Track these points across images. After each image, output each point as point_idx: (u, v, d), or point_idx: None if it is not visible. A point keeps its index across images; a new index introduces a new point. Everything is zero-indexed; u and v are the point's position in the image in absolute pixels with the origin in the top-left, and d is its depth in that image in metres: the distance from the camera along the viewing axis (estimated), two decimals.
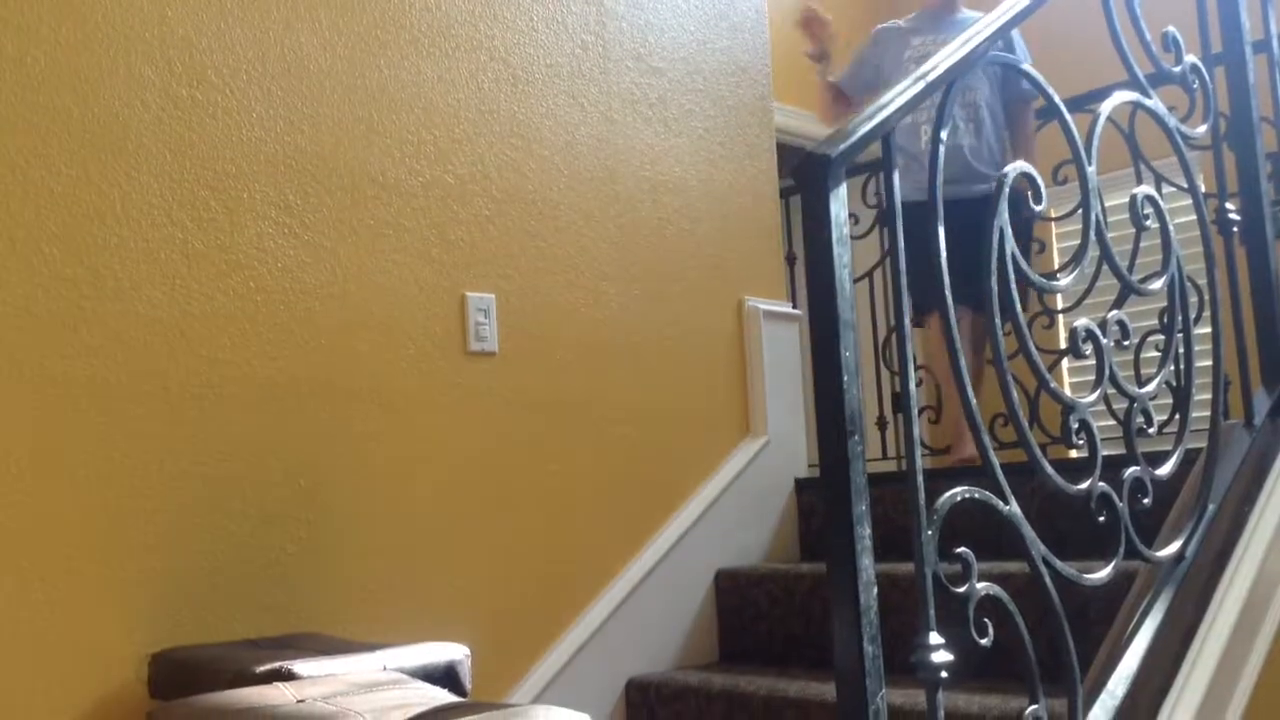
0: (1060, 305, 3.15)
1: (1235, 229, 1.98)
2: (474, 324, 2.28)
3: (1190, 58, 1.86)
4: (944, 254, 1.35)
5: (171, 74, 1.93)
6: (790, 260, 3.56)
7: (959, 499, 1.31)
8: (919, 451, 1.32)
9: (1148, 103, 1.75)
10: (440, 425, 2.21)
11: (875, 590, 1.22)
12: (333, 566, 2.03)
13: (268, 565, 1.95)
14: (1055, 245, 3.41)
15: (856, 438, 1.23)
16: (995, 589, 1.33)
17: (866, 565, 1.21)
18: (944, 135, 1.40)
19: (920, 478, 1.30)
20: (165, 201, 1.90)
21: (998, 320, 1.40)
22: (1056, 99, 1.54)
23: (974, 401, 1.38)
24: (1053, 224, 3.27)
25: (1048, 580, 1.41)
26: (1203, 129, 1.88)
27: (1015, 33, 2.79)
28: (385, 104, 2.20)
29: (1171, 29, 1.84)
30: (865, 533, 1.22)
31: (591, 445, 2.45)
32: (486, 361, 2.30)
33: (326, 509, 2.04)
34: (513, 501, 2.30)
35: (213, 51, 1.98)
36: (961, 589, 1.29)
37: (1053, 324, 2.96)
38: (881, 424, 3.53)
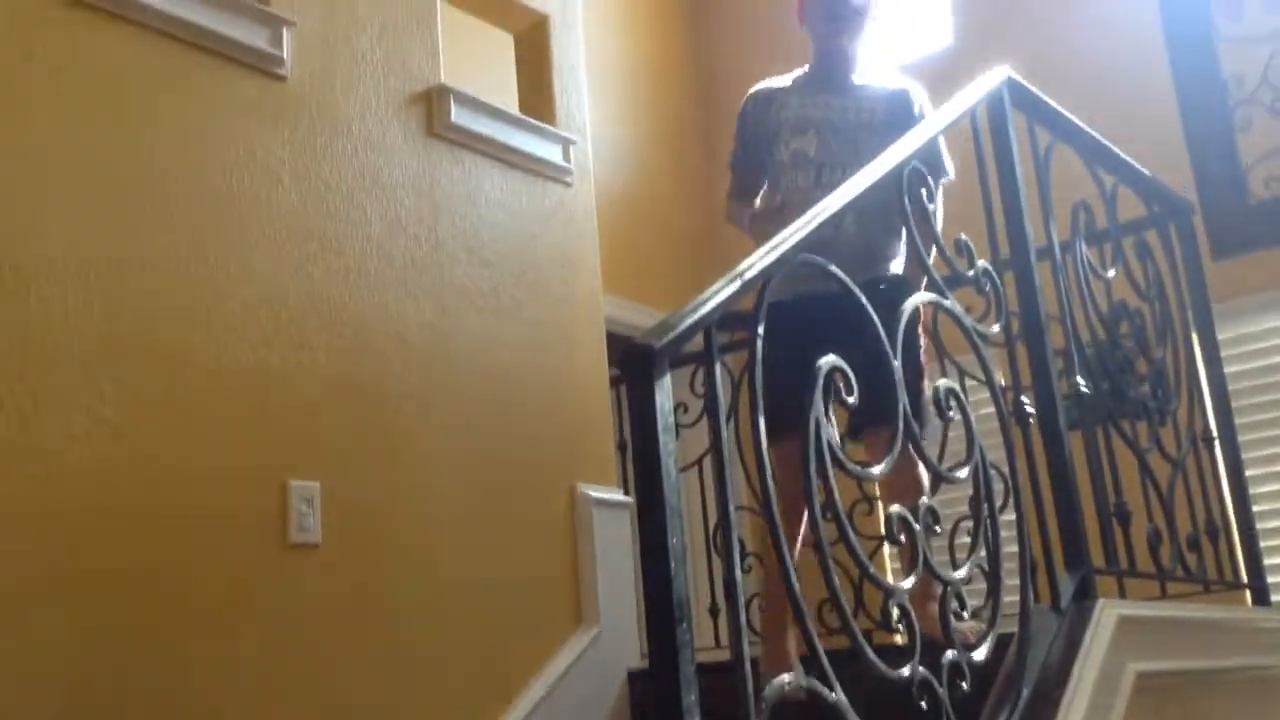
0: (879, 492, 3.26)
1: (1031, 420, 2.12)
2: (297, 514, 2.21)
3: (982, 262, 2.02)
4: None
5: None
6: (622, 447, 3.59)
7: (786, 688, 1.32)
8: (745, 640, 1.32)
9: (945, 303, 1.88)
10: (258, 622, 2.10)
11: None
12: None
13: None
14: None
15: (685, 625, 1.23)
16: None
17: None
18: (760, 330, 1.46)
19: (748, 667, 1.30)
20: None
21: (819, 511, 1.44)
22: (862, 297, 1.64)
23: (797, 587, 1.41)
24: None
25: None
26: (996, 328, 2.03)
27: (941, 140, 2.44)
28: (210, 292, 2.17)
29: (964, 236, 2.00)
30: None
31: (417, 641, 2.36)
32: (309, 554, 2.22)
33: (134, 713, 1.89)
34: (335, 705, 2.18)
35: (29, 241, 1.93)
36: None
37: (872, 510, 3.06)
38: (714, 611, 3.52)
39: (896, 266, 2.54)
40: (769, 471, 1.40)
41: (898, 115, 2.52)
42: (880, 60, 2.77)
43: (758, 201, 2.69)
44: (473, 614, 2.49)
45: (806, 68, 2.71)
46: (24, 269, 1.92)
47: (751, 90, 2.74)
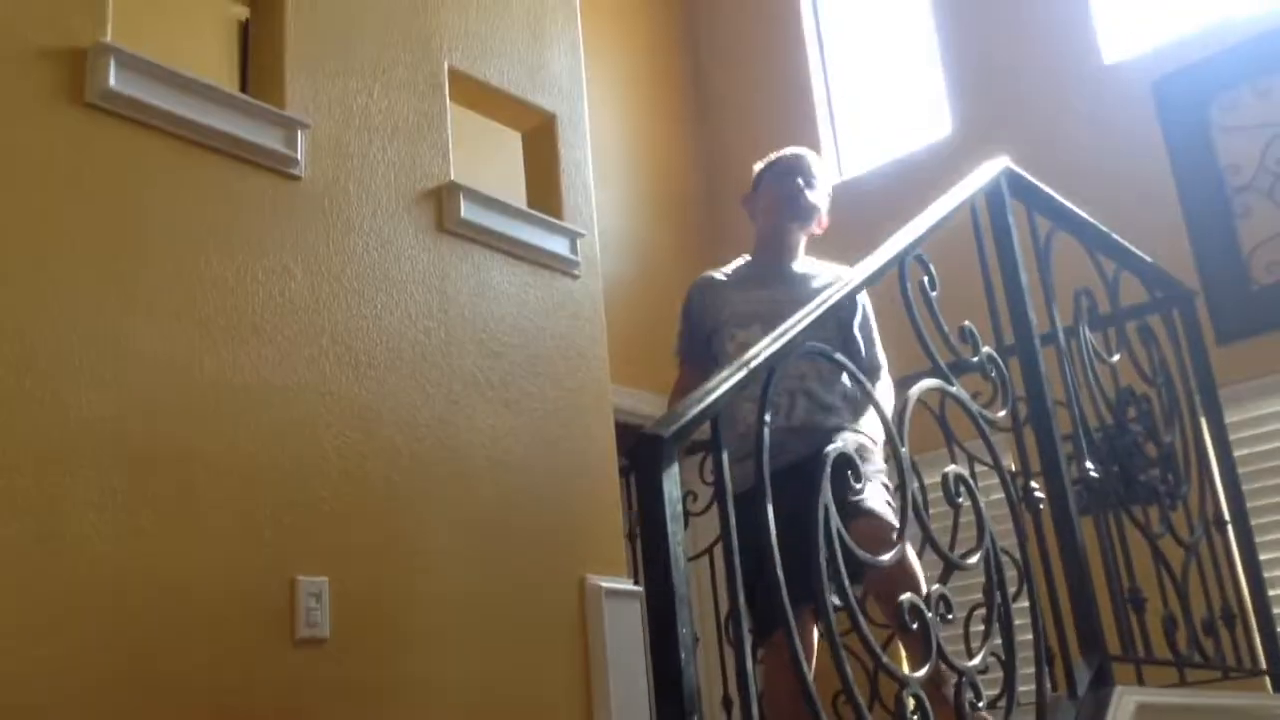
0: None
1: (1041, 506, 2.11)
2: (305, 609, 2.20)
3: (987, 349, 2.04)
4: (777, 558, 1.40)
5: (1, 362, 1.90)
6: (631, 537, 3.58)
7: None
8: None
9: (951, 389, 1.90)
10: (268, 717, 2.08)
11: None
12: None
13: None
14: None
15: (696, 718, 1.22)
16: None
17: None
18: (768, 418, 1.48)
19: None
20: None
21: (826, 590, 1.44)
22: (868, 385, 1.66)
23: (810, 682, 1.40)
24: None
25: None
26: (1003, 413, 2.04)
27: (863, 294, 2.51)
28: (222, 388, 2.19)
29: (968, 324, 2.02)
30: None
31: None
32: (316, 649, 2.20)
33: None
34: None
35: (44, 340, 1.96)
36: None
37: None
38: (727, 703, 3.47)
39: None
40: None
41: (843, 309, 2.44)
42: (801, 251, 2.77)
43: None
44: (483, 713, 2.46)
45: (746, 258, 2.77)
46: (39, 367, 1.94)
47: (697, 280, 2.81)
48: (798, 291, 2.52)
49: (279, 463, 2.24)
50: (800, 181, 2.67)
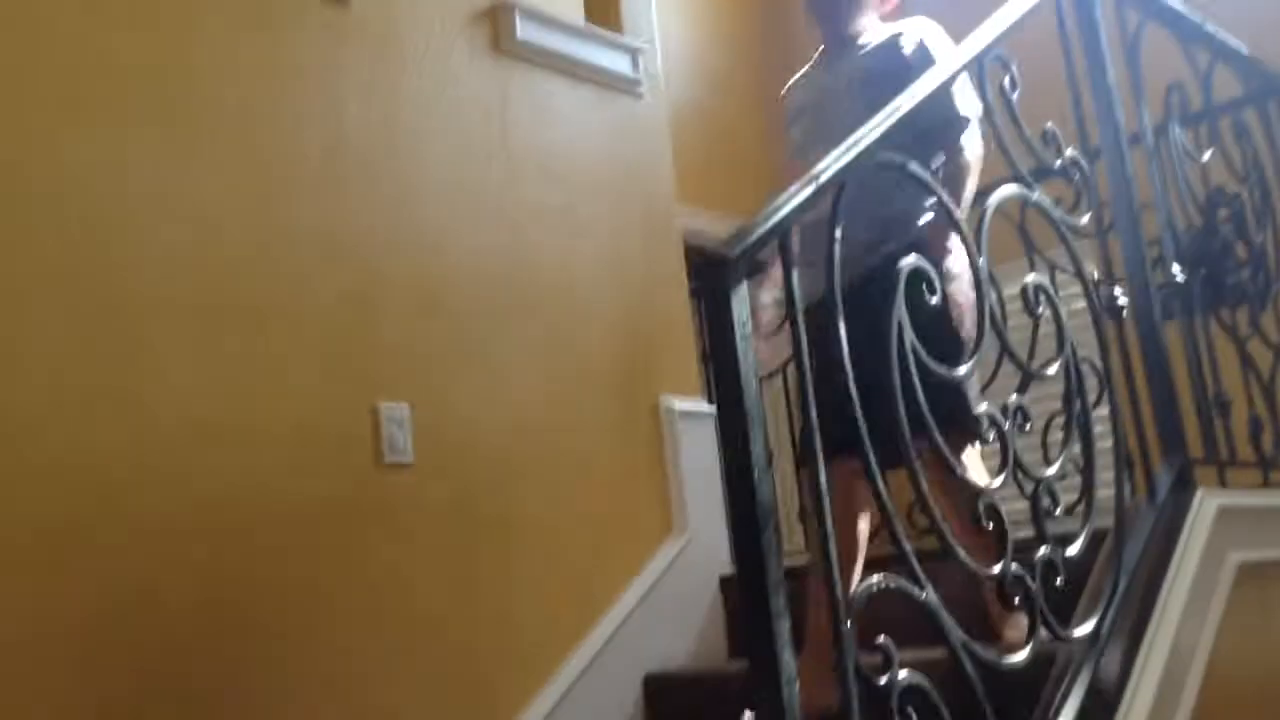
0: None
1: (1124, 313, 2.06)
2: (388, 435, 2.25)
3: (1070, 151, 1.94)
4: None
5: (67, 217, 1.92)
6: (705, 358, 3.59)
7: (874, 589, 1.32)
8: (833, 544, 1.32)
9: (1032, 196, 1.82)
10: (358, 540, 2.17)
11: (797, 686, 1.21)
12: (246, 695, 1.96)
13: (183, 699, 1.88)
14: None
15: (769, 532, 1.23)
16: (918, 678, 1.33)
17: (788, 660, 1.21)
18: (839, 233, 1.44)
19: (836, 570, 1.31)
20: (63, 342, 1.87)
21: (901, 404, 1.43)
22: (944, 195, 1.60)
23: (886, 495, 1.40)
24: None
25: (968, 666, 1.42)
26: (1087, 219, 1.96)
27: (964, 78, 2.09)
28: (287, 222, 2.20)
29: (1050, 125, 1.92)
30: (784, 627, 1.22)
31: (512, 552, 2.41)
32: (402, 472, 2.27)
33: (242, 631, 1.98)
34: (434, 615, 2.25)
35: (111, 182, 1.97)
36: (883, 680, 1.29)
37: None
38: (804, 516, 3.54)
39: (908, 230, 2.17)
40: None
41: (880, 70, 2.23)
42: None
43: None
44: (565, 525, 2.53)
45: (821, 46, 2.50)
46: (108, 224, 1.96)
47: (785, 88, 2.58)
48: (842, 73, 2.33)
49: (351, 295, 2.26)
50: None
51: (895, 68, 2.18)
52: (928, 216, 2.19)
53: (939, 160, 2.18)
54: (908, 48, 2.26)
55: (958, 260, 2.02)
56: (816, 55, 2.50)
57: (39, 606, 1.76)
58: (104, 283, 1.94)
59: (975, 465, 1.99)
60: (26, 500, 1.78)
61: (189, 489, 1.97)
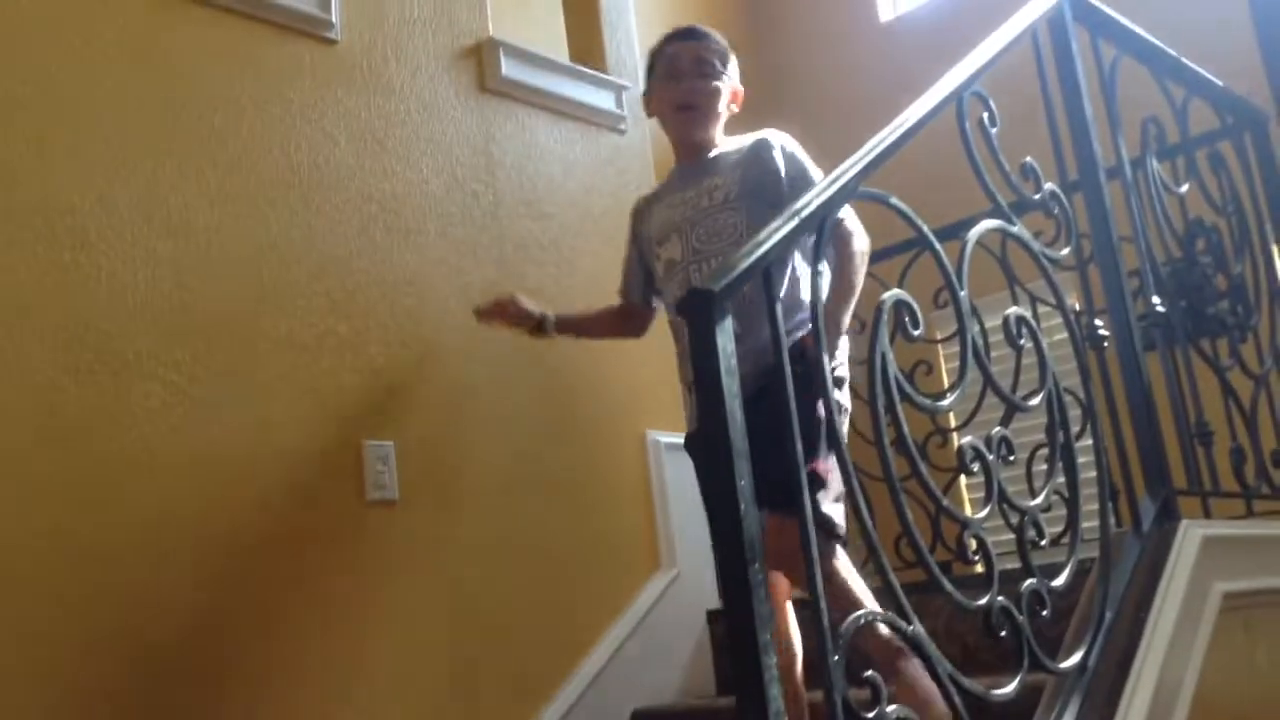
0: (953, 423, 3.23)
1: (1105, 344, 2.07)
2: (373, 472, 2.25)
3: (1049, 185, 1.97)
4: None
5: (53, 238, 1.91)
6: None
7: (862, 622, 1.32)
8: (819, 575, 1.32)
9: (1012, 229, 1.84)
10: (343, 575, 2.15)
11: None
12: None
13: None
14: (943, 365, 3.53)
15: (756, 566, 1.23)
16: (905, 711, 1.33)
17: (775, 695, 1.21)
18: (823, 268, 1.44)
19: (824, 602, 1.31)
20: (49, 365, 1.86)
21: (885, 437, 1.43)
22: (925, 230, 1.61)
23: (869, 524, 1.40)
24: (939, 346, 3.39)
25: (956, 699, 1.42)
26: (1066, 251, 1.98)
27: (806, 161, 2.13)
28: (275, 259, 2.20)
29: (1029, 159, 1.95)
30: (772, 661, 1.22)
31: (497, 590, 2.40)
32: (386, 510, 2.26)
33: (230, 664, 1.96)
34: (419, 653, 2.23)
35: (95, 214, 1.97)
36: (871, 714, 1.29)
37: (946, 442, 3.03)
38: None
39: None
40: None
41: (755, 175, 2.13)
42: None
43: (633, 299, 2.42)
44: (552, 560, 2.53)
45: (675, 165, 2.35)
46: (95, 245, 1.96)
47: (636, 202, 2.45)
48: (706, 187, 2.18)
49: (335, 331, 2.26)
50: (687, 82, 2.22)
51: (770, 178, 2.12)
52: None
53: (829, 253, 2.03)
54: (777, 158, 2.15)
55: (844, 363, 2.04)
56: (671, 175, 2.35)
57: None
58: (89, 301, 1.93)
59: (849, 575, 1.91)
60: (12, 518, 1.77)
61: (173, 520, 1.95)
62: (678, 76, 2.23)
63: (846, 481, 1.44)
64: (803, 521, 1.32)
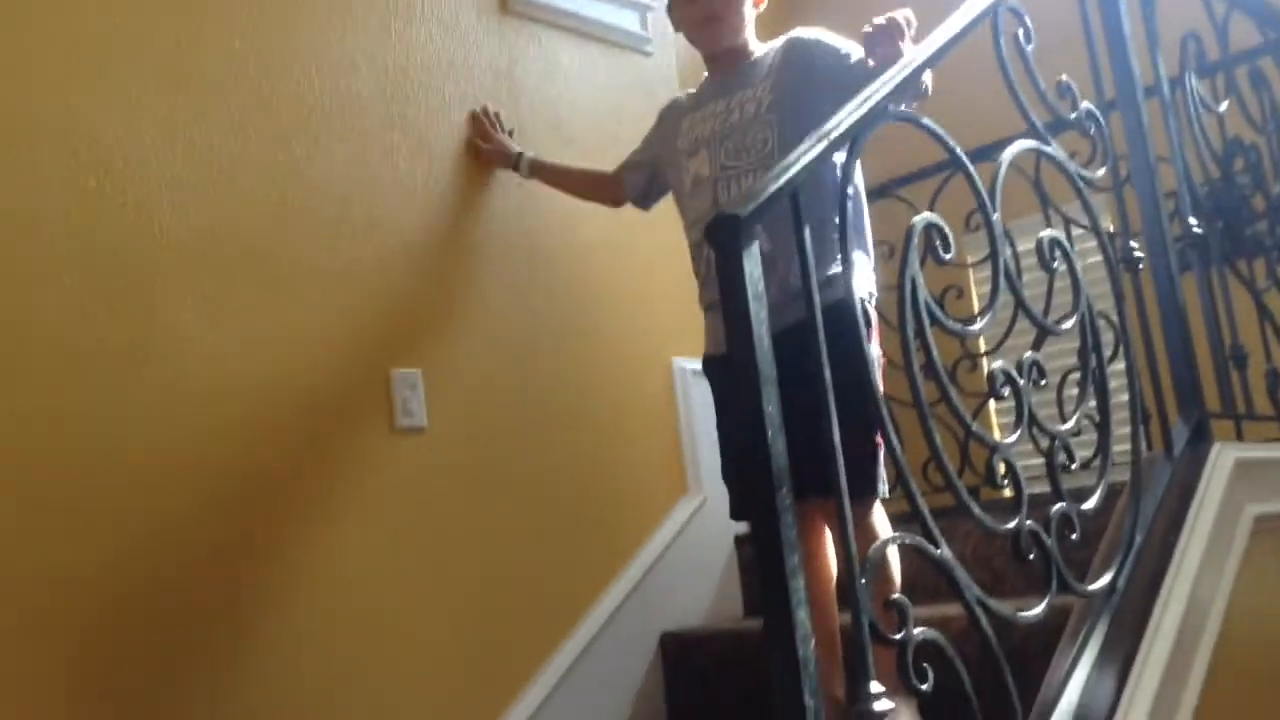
0: (983, 348, 3.20)
1: (1140, 266, 2.04)
2: (401, 400, 2.26)
3: (1086, 104, 1.92)
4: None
5: (77, 165, 1.91)
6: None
7: (888, 548, 1.32)
8: (847, 501, 1.32)
9: (1047, 149, 1.80)
10: (371, 504, 2.18)
11: (813, 643, 1.21)
12: (259, 665, 1.98)
13: (190, 667, 1.90)
14: (974, 290, 3.48)
15: (784, 490, 1.23)
16: (932, 633, 1.33)
17: (803, 618, 1.21)
18: (850, 190, 1.42)
19: (850, 527, 1.31)
20: (77, 296, 1.87)
21: (914, 363, 1.42)
22: (958, 150, 1.58)
23: (898, 449, 1.40)
24: (970, 270, 3.35)
25: (984, 622, 1.42)
26: (1102, 172, 1.94)
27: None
28: (298, 185, 2.19)
29: (1065, 78, 1.90)
30: (799, 585, 1.22)
31: (526, 515, 2.42)
32: (416, 437, 2.27)
33: (259, 591, 1.99)
34: (448, 580, 2.26)
35: (120, 141, 1.96)
36: (898, 636, 1.29)
37: (976, 367, 3.01)
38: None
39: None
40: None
41: (789, 81, 2.08)
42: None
43: (626, 191, 2.43)
44: (580, 486, 2.54)
45: (706, 77, 2.29)
46: (120, 172, 1.95)
47: (666, 103, 2.41)
48: (737, 98, 2.14)
49: (362, 259, 2.26)
50: None
51: (808, 74, 2.07)
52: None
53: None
54: (811, 44, 2.11)
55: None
56: (704, 84, 2.29)
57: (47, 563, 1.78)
58: (116, 228, 1.93)
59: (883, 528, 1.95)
60: (37, 453, 1.79)
61: (204, 449, 1.97)
62: None
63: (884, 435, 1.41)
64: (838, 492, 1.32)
